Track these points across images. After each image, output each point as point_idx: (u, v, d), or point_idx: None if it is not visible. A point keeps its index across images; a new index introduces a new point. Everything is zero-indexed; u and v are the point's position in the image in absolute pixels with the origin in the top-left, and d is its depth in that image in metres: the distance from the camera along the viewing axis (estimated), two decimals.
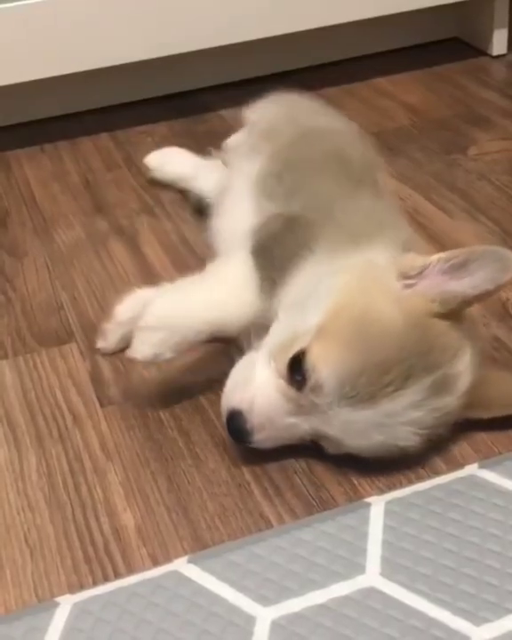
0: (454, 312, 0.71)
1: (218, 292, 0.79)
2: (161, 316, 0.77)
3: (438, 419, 0.70)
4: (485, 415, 0.75)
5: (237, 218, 0.88)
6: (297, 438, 0.72)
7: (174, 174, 1.16)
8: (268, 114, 1.06)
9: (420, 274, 0.71)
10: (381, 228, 0.79)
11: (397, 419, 0.68)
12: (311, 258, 0.77)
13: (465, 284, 0.69)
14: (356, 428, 0.68)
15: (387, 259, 0.74)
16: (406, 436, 0.69)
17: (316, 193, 0.84)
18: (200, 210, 1.09)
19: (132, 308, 0.86)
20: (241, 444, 0.74)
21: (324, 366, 0.67)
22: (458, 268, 0.70)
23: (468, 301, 0.71)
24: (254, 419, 0.71)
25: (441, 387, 0.69)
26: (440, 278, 0.71)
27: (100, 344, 0.89)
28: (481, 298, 0.71)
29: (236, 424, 0.71)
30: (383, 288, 0.71)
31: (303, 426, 0.71)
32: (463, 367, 0.70)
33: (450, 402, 0.70)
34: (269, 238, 0.80)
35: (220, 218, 0.95)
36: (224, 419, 0.73)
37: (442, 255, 0.71)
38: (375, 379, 0.66)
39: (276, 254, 0.78)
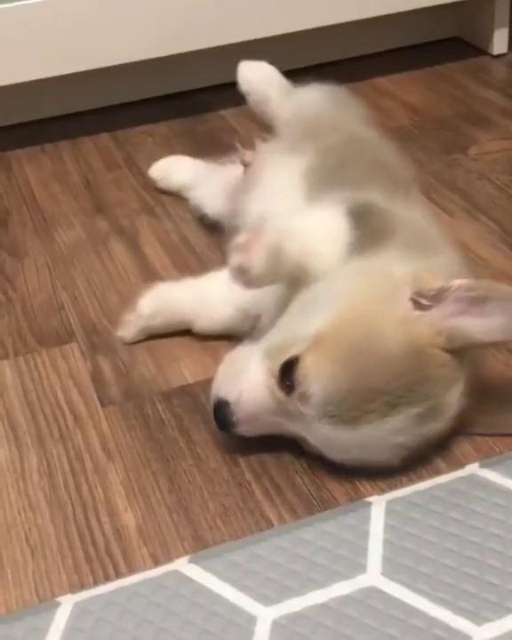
0: (459, 349, 0.68)
1: (311, 231, 0.76)
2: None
3: (422, 442, 0.70)
4: (485, 432, 0.75)
5: (283, 209, 0.84)
6: (281, 433, 0.73)
7: (179, 183, 1.15)
8: (312, 108, 1.02)
9: (436, 297, 0.68)
10: (430, 244, 0.77)
11: (378, 441, 0.68)
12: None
13: (479, 326, 0.67)
14: (336, 443, 0.69)
15: (406, 272, 0.71)
16: (387, 456, 0.70)
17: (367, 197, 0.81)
18: (202, 217, 1.08)
19: (154, 301, 0.87)
20: (225, 432, 0.74)
21: (314, 380, 0.67)
22: (476, 303, 0.67)
23: (476, 345, 0.69)
24: (240, 412, 0.71)
25: (428, 416, 0.68)
26: (455, 308, 0.68)
27: (120, 333, 0.89)
28: (491, 345, 0.68)
29: (222, 414, 0.72)
30: (392, 307, 0.69)
31: (287, 426, 0.71)
32: (454, 397, 0.69)
33: (435, 428, 0.70)
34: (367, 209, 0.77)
35: (255, 205, 0.90)
36: (211, 405, 0.73)
37: (463, 283, 0.68)
38: (359, 404, 0.66)
39: (371, 226, 0.76)
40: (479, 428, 0.75)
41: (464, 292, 0.67)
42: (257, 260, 0.73)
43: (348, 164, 0.87)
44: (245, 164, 1.02)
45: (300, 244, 0.75)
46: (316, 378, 0.67)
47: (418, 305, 0.69)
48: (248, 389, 0.71)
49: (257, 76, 1.10)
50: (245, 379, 0.72)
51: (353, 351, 0.67)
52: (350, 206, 0.77)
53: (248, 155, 1.02)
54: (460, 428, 0.73)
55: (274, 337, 0.73)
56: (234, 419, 0.72)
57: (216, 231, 1.08)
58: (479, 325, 0.67)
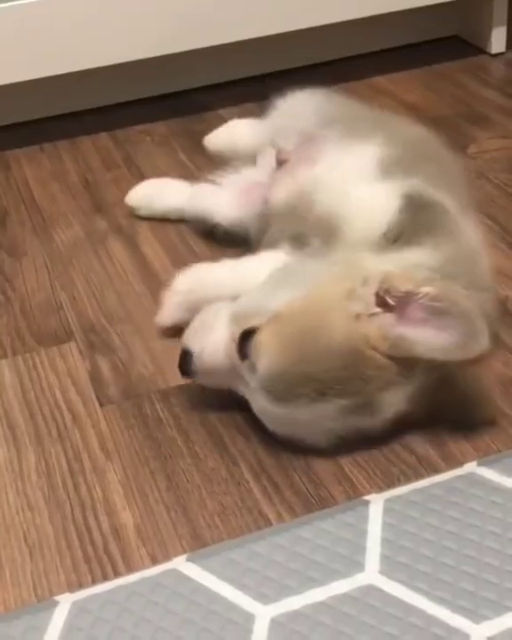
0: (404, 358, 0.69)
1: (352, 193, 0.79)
2: None
3: (355, 433, 0.72)
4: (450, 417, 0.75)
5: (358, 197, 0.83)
6: (234, 390, 0.77)
7: (167, 208, 1.10)
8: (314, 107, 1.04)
9: (403, 299, 0.68)
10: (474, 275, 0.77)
11: (307, 422, 0.71)
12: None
13: (429, 339, 0.67)
14: (270, 416, 0.73)
15: (381, 267, 0.71)
16: (316, 439, 0.73)
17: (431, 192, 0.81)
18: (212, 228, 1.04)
19: (191, 278, 0.89)
20: (185, 378, 0.79)
21: (262, 354, 0.70)
22: (436, 314, 0.67)
23: (418, 358, 0.68)
24: (199, 364, 0.77)
25: (356, 410, 0.70)
26: (418, 314, 0.68)
27: (157, 318, 0.90)
28: (430, 361, 0.68)
29: (184, 362, 0.78)
30: (350, 302, 0.70)
31: (238, 386, 0.76)
32: (392, 399, 0.71)
33: (368, 422, 0.72)
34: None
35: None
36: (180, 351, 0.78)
37: (430, 291, 0.67)
38: (293, 386, 0.69)
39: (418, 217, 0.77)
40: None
41: (429, 301, 0.68)
42: (279, 192, 0.79)
43: (425, 160, 0.87)
44: (282, 162, 1.00)
45: (331, 200, 0.77)
46: (264, 353, 0.70)
47: (383, 303, 0.70)
48: (209, 346, 0.76)
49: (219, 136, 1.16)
50: (210, 336, 0.76)
51: (300, 336, 0.70)
52: (408, 191, 0.78)
53: (283, 153, 1.00)
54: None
55: (244, 302, 0.76)
56: (193, 368, 0.77)
57: (214, 230, 1.08)
58: (430, 339, 0.67)
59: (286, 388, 0.70)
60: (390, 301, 0.69)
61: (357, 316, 0.70)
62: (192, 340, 0.77)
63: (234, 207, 1.02)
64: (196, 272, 0.89)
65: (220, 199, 1.04)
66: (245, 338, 0.72)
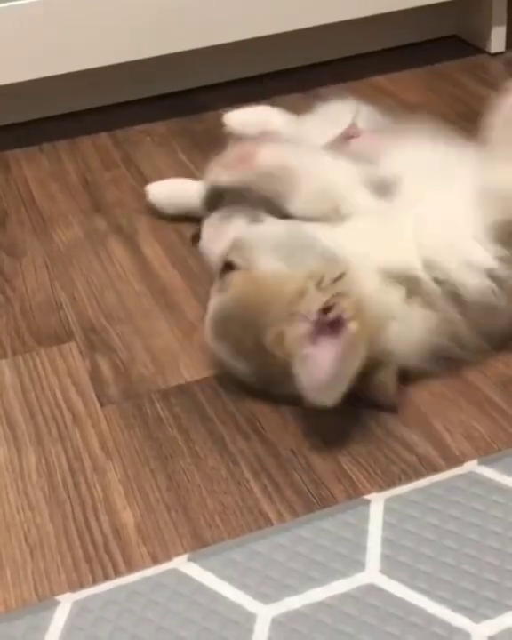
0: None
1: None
2: None
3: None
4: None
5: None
6: None
7: (189, 207, 1.08)
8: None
9: (333, 320, 0.69)
10: None
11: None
12: None
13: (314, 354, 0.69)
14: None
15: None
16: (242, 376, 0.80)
17: None
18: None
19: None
20: None
21: (224, 292, 0.78)
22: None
23: None
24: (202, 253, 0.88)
25: (263, 380, 0.79)
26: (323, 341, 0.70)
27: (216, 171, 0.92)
28: None
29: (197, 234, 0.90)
30: (298, 298, 0.72)
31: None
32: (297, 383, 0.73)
33: (277, 390, 0.78)
34: None
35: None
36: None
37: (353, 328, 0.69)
38: (224, 333, 0.79)
39: None
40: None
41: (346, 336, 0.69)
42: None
43: None
44: (349, 137, 0.98)
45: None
46: (225, 295, 0.78)
47: (324, 312, 0.70)
48: (210, 249, 0.86)
49: (247, 117, 1.14)
50: (216, 243, 0.84)
51: (253, 303, 0.76)
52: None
53: (353, 129, 0.99)
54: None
55: (250, 233, 0.82)
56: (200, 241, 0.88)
57: None
58: (314, 354, 0.69)
59: (221, 330, 0.79)
60: (327, 317, 0.69)
61: (291, 314, 0.71)
62: (205, 231, 0.87)
63: None
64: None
65: None
66: (227, 267, 0.80)
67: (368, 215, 0.81)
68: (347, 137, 0.99)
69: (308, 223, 0.82)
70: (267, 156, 0.86)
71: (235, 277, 0.78)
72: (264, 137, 0.94)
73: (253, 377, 0.79)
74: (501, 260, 0.77)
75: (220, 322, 0.79)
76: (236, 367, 0.80)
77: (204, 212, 0.93)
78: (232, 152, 0.88)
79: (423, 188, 0.83)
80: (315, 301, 0.70)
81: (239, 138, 1.07)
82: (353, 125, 1.00)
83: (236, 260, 0.79)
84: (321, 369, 0.69)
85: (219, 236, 0.85)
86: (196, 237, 0.92)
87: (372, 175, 0.85)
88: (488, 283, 0.77)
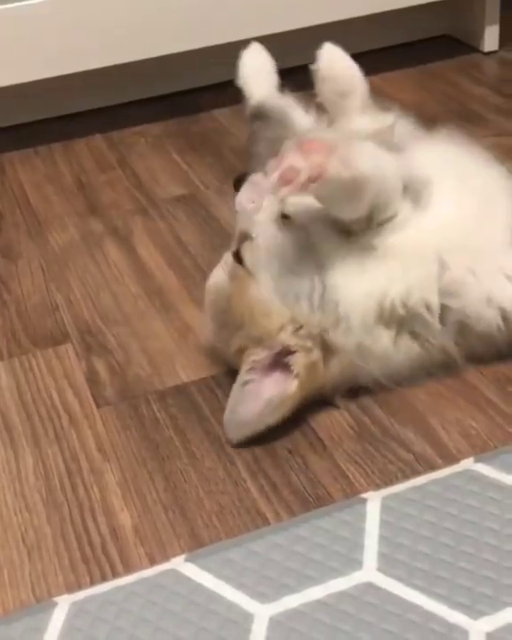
0: None
1: None
2: None
3: None
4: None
5: None
6: None
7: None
8: None
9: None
10: None
11: None
12: None
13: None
14: None
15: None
16: None
17: None
18: None
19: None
20: None
21: (226, 290, 0.79)
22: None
23: None
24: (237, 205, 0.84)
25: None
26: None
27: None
28: None
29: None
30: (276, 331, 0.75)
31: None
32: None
33: None
34: None
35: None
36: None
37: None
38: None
39: None
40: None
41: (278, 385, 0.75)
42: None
43: None
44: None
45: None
46: (224, 287, 0.79)
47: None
48: (242, 208, 0.82)
49: (342, 67, 1.07)
50: (249, 205, 0.82)
51: (232, 308, 0.77)
52: None
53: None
54: None
55: (269, 237, 0.79)
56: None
57: (209, 230, 1.08)
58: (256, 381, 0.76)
59: (213, 307, 0.81)
60: (282, 359, 0.75)
61: (260, 340, 0.75)
62: (243, 193, 0.83)
63: None
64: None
65: None
66: (236, 256, 0.79)
67: (396, 236, 0.77)
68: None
69: (324, 243, 0.78)
70: (340, 166, 0.69)
71: (235, 283, 0.78)
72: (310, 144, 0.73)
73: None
74: None
75: (213, 302, 0.81)
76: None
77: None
78: (285, 166, 0.68)
79: (455, 199, 0.80)
80: (281, 341, 0.75)
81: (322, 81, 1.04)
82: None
83: (245, 256, 0.79)
84: (255, 398, 0.75)
85: (256, 196, 0.81)
86: (238, 183, 0.90)
87: (409, 177, 0.79)
88: (499, 319, 0.77)
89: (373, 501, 0.69)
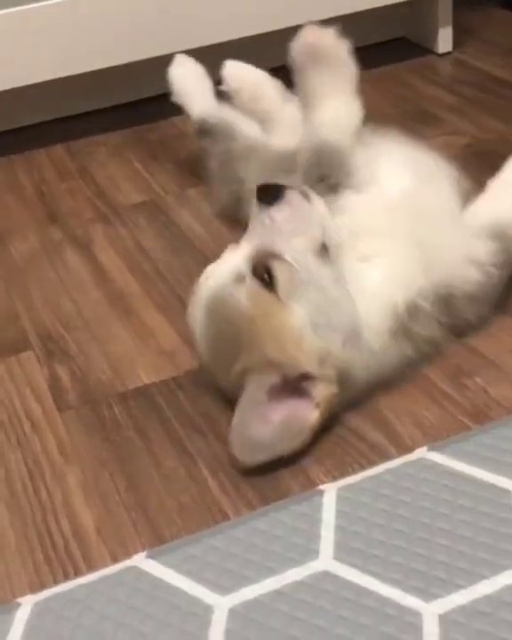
0: None
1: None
2: None
3: None
4: None
5: None
6: None
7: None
8: None
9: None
10: None
11: None
12: None
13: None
14: None
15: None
16: None
17: None
18: None
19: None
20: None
21: (248, 303, 0.74)
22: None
23: None
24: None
25: None
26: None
27: None
28: None
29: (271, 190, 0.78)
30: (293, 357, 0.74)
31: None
32: None
33: None
34: None
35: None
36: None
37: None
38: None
39: None
40: None
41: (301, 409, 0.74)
42: None
43: None
44: None
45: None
46: (243, 301, 0.74)
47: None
48: (268, 234, 0.77)
49: (246, 75, 1.15)
50: (285, 234, 0.77)
51: (251, 325, 0.73)
52: None
53: None
54: None
55: (306, 263, 0.76)
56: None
57: (169, 235, 1.10)
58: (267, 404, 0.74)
59: (215, 314, 0.76)
60: (300, 383, 0.74)
61: (274, 362, 0.73)
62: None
63: None
64: None
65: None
66: (265, 268, 0.75)
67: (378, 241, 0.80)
68: None
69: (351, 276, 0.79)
70: None
71: (258, 304, 0.74)
72: None
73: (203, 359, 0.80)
74: (493, 253, 0.82)
75: (214, 311, 0.76)
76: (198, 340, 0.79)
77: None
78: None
79: (411, 193, 0.85)
80: (304, 367, 0.73)
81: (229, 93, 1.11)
82: None
83: (278, 279, 0.74)
84: (267, 421, 0.73)
85: (298, 219, 0.77)
86: (264, 193, 0.79)
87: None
88: (483, 276, 0.81)
89: (330, 493, 0.71)
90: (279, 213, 0.77)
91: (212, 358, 0.78)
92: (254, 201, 0.78)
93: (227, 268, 0.76)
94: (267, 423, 0.73)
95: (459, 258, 0.81)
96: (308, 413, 0.74)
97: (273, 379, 0.73)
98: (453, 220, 0.85)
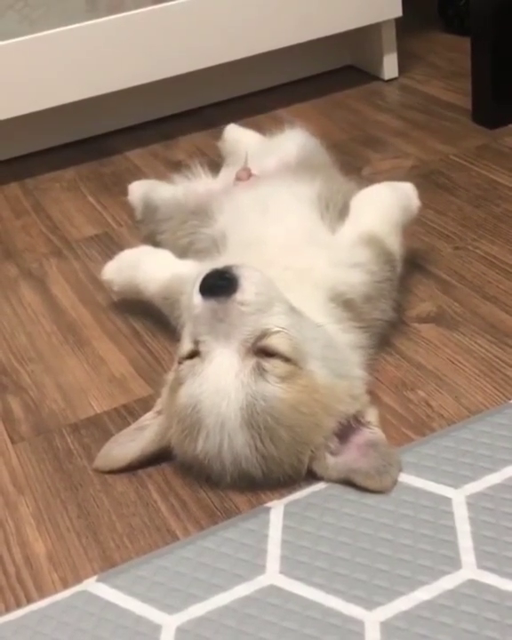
0: None
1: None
2: None
3: None
4: None
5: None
6: None
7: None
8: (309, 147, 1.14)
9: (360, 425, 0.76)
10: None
11: None
12: None
13: (347, 462, 0.74)
14: None
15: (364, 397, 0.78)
16: None
17: None
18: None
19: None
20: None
21: (282, 393, 0.72)
22: (368, 443, 0.75)
23: None
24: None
25: None
26: (353, 440, 0.75)
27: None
28: None
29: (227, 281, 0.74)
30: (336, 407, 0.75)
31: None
32: None
33: None
34: None
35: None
36: None
37: (372, 421, 0.76)
38: None
39: None
40: None
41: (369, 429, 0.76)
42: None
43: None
44: (239, 179, 1.05)
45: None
46: (277, 395, 0.72)
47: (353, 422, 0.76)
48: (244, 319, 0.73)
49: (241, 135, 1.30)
50: (260, 306, 0.74)
51: (299, 409, 0.72)
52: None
53: (245, 173, 1.05)
54: None
55: (299, 328, 0.75)
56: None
57: None
58: (351, 462, 0.74)
59: (259, 423, 0.72)
60: (354, 424, 0.76)
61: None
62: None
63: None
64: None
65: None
66: (261, 349, 0.73)
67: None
68: (237, 178, 1.05)
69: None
70: None
71: (291, 384, 0.72)
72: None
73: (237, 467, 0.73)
74: (372, 257, 0.89)
75: (263, 415, 0.71)
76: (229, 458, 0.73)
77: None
78: None
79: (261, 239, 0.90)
80: (350, 411, 0.75)
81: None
82: (244, 168, 1.06)
83: (284, 350, 0.72)
84: (356, 456, 0.74)
85: (264, 288, 0.75)
86: (207, 286, 0.74)
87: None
88: (366, 275, 0.86)
89: (277, 509, 0.72)
90: (245, 294, 0.72)
91: (262, 461, 0.72)
92: (199, 299, 0.73)
93: (229, 379, 0.72)
94: (358, 454, 0.74)
95: (340, 266, 0.86)
96: (379, 435, 0.75)
97: (334, 437, 0.74)
98: (316, 241, 0.90)
